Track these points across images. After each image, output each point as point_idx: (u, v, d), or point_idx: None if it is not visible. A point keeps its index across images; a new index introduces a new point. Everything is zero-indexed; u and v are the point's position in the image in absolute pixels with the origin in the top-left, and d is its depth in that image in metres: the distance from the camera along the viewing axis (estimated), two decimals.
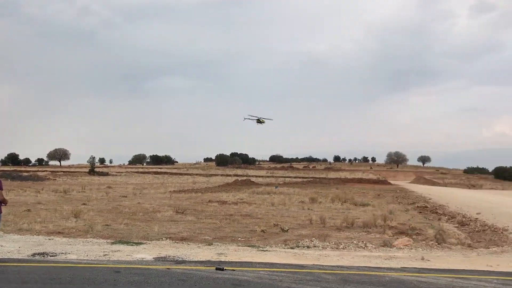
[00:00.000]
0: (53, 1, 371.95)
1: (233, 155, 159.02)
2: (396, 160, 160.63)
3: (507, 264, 8.95)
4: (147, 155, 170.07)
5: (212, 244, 10.95)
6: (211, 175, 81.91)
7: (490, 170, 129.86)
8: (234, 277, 7.25)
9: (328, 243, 11.21)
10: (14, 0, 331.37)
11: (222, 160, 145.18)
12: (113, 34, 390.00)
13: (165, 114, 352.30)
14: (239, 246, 10.77)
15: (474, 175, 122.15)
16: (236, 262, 8.56)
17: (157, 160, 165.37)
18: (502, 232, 14.02)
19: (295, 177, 77.16)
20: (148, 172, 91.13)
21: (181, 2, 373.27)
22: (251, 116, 56.23)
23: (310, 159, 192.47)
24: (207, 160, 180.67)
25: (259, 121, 56.97)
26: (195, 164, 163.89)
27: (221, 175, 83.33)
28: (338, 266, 8.38)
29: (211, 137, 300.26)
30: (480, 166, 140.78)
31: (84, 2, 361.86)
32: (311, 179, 70.80)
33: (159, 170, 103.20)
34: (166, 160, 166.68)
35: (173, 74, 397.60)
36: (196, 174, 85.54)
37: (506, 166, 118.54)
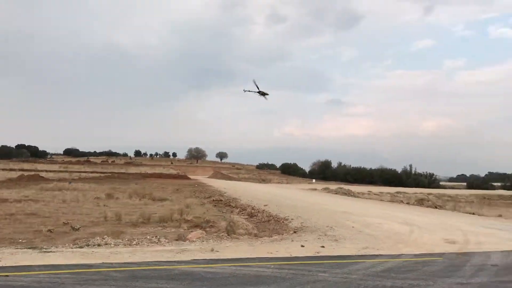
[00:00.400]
0: None
1: (20, 147, 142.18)
2: (196, 155, 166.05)
3: (284, 250, 9.99)
4: None
5: None
6: None
7: (278, 166, 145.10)
8: (6, 283, 6.40)
9: (121, 240, 10.85)
10: None
11: (4, 153, 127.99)
12: None
13: None
14: (17, 248, 9.59)
15: (264, 170, 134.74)
16: (11, 267, 7.58)
17: None
18: (283, 222, 15.68)
19: (92, 172, 73.11)
20: None
21: None
22: (252, 89, 51.33)
23: (110, 153, 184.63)
24: None
25: (262, 93, 52.11)
26: None
27: (3, 169, 73.59)
28: (127, 263, 8.16)
29: None
30: (270, 163, 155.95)
31: None
32: (110, 174, 68.15)
33: None
34: None
35: None
36: None
37: (290, 163, 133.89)
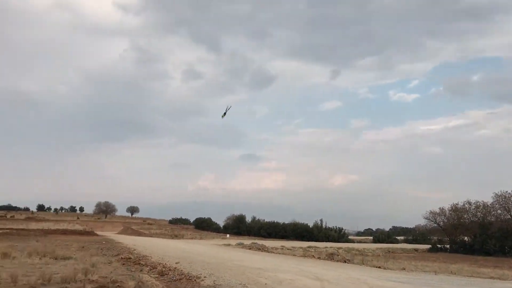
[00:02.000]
0: None
1: None
2: (105, 210, 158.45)
3: None
4: None
5: None
6: None
7: (192, 221, 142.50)
8: None
9: None
10: None
11: None
12: None
13: None
14: None
15: (177, 225, 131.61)
16: None
17: None
18: (195, 280, 15.27)
19: None
20: None
21: None
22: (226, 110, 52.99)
23: (9, 208, 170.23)
24: None
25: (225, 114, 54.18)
26: None
27: None
28: None
29: None
30: (184, 217, 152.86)
31: None
32: (8, 230, 62.40)
33: None
34: None
35: None
36: None
37: (204, 217, 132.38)
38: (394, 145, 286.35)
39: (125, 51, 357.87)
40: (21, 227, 76.28)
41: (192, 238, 75.31)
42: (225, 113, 58.38)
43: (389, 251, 50.67)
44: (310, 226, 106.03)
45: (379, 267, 24.28)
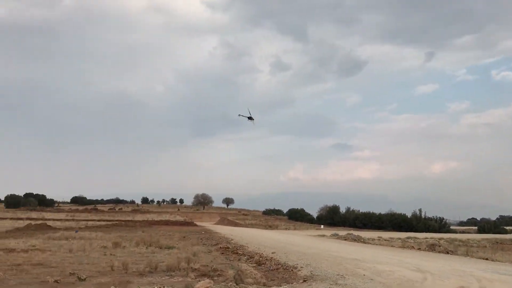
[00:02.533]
0: None
1: (27, 195, 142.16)
2: (202, 202, 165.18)
3: None
4: None
5: None
6: None
7: (285, 212, 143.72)
8: None
9: None
10: None
11: (13, 202, 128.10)
12: None
13: None
14: None
15: (271, 216, 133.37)
16: None
17: None
18: (292, 270, 15.38)
19: (99, 220, 72.71)
20: None
21: None
22: (244, 115, 56.95)
23: (117, 201, 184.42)
24: None
25: (250, 118, 57.23)
26: None
27: (11, 218, 73.44)
28: None
29: (0, 174, 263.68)
30: (277, 208, 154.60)
31: None
32: (117, 222, 67.67)
33: None
34: None
35: None
36: None
37: (297, 208, 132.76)
38: (498, 128, 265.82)
39: (215, 48, 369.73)
40: (128, 218, 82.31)
41: (286, 229, 76.00)
42: (249, 116, 59.01)
43: (497, 242, 47.12)
44: (408, 216, 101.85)
45: (486, 259, 22.67)
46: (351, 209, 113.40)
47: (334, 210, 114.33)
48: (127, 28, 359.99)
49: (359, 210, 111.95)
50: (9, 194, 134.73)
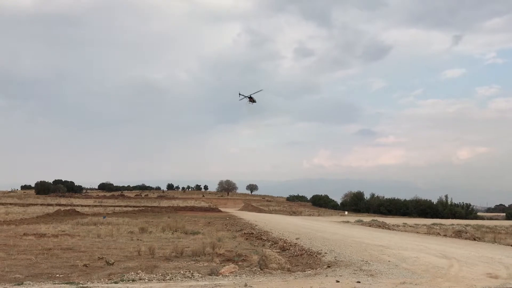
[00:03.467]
0: None
1: (57, 182, 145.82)
2: (227, 188, 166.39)
3: (318, 286, 9.80)
4: None
5: (22, 283, 9.71)
6: (28, 205, 73.53)
7: (309, 198, 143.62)
8: None
9: (155, 275, 10.90)
10: None
11: (43, 188, 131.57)
12: None
13: None
14: (55, 284, 9.76)
15: (295, 203, 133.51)
16: None
17: None
18: (316, 256, 15.41)
19: (125, 206, 74.08)
20: None
21: (5, 15, 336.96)
22: (243, 95, 49.99)
23: (143, 187, 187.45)
24: (25, 188, 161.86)
25: (251, 99, 50.11)
26: (10, 192, 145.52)
27: (41, 204, 75.48)
28: None
29: (31, 163, 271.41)
30: (301, 194, 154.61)
31: None
32: (143, 208, 68.84)
33: None
34: None
35: None
36: (11, 204, 75.85)
37: (321, 194, 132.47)
38: None
39: (238, 35, 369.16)
40: (154, 204, 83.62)
41: (310, 215, 75.99)
42: (247, 97, 50.37)
43: None
44: (434, 203, 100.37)
45: None
46: (375, 195, 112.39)
47: (358, 196, 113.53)
48: (152, 16, 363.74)
49: (383, 196, 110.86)
50: (39, 180, 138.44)
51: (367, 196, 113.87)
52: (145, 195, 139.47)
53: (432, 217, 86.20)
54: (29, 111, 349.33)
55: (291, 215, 75.13)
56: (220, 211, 72.94)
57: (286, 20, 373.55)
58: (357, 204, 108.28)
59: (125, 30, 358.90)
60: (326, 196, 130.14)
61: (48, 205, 73.48)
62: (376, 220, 46.98)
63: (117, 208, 66.64)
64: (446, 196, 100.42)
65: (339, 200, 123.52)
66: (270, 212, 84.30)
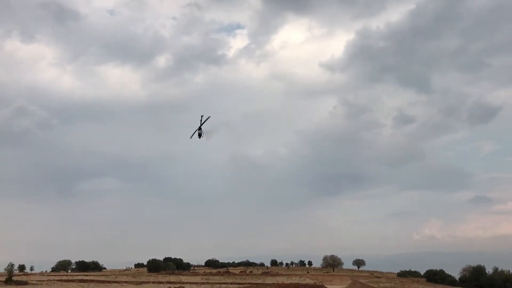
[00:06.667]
0: None
1: (167, 260, 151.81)
2: (332, 263, 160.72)
3: None
4: (73, 261, 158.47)
5: None
6: (141, 283, 77.13)
7: (422, 273, 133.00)
8: None
9: None
10: None
11: (154, 266, 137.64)
12: (47, 135, 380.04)
13: (94, 216, 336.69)
14: None
15: (407, 279, 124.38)
16: None
17: (83, 266, 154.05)
18: None
19: (231, 283, 74.56)
20: (73, 280, 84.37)
21: (119, 107, 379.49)
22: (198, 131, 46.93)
23: (247, 263, 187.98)
24: (138, 266, 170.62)
25: (200, 135, 47.00)
26: (124, 270, 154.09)
27: (153, 282, 78.77)
28: None
29: (144, 241, 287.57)
30: (413, 269, 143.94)
31: (21, 102, 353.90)
32: (248, 285, 68.75)
33: (84, 277, 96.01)
34: (94, 267, 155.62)
35: (106, 176, 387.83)
36: (125, 282, 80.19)
37: (436, 269, 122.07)
38: None
39: (335, 107, 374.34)
40: (259, 281, 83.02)
41: None
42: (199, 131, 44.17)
43: None
44: None
45: None
46: (499, 269, 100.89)
47: (478, 270, 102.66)
48: (251, 97, 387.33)
49: (509, 271, 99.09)
50: (151, 259, 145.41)
51: (489, 270, 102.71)
52: (249, 272, 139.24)
53: None
54: (143, 192, 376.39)
55: None
56: None
57: (384, 89, 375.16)
58: (479, 280, 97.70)
59: (227, 111, 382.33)
60: (442, 271, 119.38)
61: (159, 282, 76.48)
62: None
63: (223, 286, 67.28)
64: None
65: (456, 275, 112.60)
66: None
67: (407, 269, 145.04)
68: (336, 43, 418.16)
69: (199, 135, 47.81)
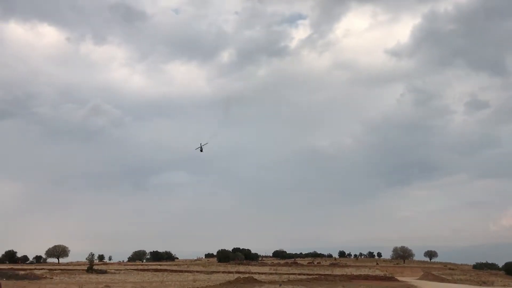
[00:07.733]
0: (66, 101, 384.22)
1: (235, 250, 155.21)
2: (402, 255, 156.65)
3: None
4: (147, 251, 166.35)
5: None
6: (212, 272, 79.51)
7: (500, 266, 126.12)
8: None
9: None
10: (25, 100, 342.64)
11: (223, 256, 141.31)
12: (121, 132, 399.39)
13: (167, 209, 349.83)
14: None
15: (484, 271, 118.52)
16: None
17: (157, 256, 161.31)
18: None
19: (299, 274, 74.88)
20: (148, 269, 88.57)
21: (186, 103, 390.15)
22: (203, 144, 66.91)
23: (315, 255, 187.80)
24: (208, 256, 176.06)
25: (201, 150, 66.97)
26: (196, 260, 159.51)
27: (223, 272, 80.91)
28: None
29: (213, 232, 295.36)
30: (490, 262, 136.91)
31: (95, 102, 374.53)
32: (316, 276, 68.69)
33: (159, 267, 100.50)
34: (167, 257, 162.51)
35: (177, 170, 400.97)
36: (197, 271, 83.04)
37: None
38: None
39: (402, 95, 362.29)
40: (327, 272, 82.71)
41: (504, 286, 66.70)
42: (201, 149, 60.22)
43: None
44: None
45: None
46: None
47: None
48: (315, 87, 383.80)
49: None
50: (220, 249, 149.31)
51: None
52: (317, 263, 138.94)
53: None
54: (211, 184, 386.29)
55: (480, 285, 66.90)
56: (397, 280, 68.77)
57: (454, 74, 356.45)
58: None
59: (291, 103, 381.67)
60: None
61: (229, 272, 78.41)
62: None
63: (291, 276, 67.71)
64: None
65: None
66: (454, 281, 76.29)
67: (484, 261, 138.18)
68: (402, 28, 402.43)
69: (201, 150, 68.71)
